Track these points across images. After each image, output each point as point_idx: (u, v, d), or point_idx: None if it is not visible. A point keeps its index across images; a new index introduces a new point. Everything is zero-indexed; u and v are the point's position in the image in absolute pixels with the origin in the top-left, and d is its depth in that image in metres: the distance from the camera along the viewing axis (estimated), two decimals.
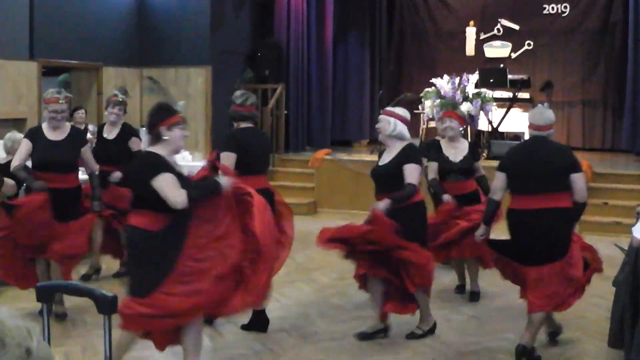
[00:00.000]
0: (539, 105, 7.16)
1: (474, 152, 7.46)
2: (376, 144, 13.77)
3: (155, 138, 4.79)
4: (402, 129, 6.08)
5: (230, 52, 14.02)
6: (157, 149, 4.78)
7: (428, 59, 17.01)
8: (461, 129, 7.45)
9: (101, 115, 12.84)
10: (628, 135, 13.94)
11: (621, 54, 14.83)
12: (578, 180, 5.62)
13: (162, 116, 4.81)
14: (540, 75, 16.03)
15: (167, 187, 4.59)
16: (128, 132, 8.00)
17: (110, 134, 7.99)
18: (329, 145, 14.68)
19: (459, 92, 12.70)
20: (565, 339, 6.27)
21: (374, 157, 9.05)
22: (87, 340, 5.93)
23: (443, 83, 12.96)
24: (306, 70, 14.99)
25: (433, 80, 13.27)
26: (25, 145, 6.52)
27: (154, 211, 4.65)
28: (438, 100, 12.84)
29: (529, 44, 16.25)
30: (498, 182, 5.86)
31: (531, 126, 5.84)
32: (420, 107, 13.79)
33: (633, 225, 5.29)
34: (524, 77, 14.54)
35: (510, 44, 16.37)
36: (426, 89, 13.35)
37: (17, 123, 10.83)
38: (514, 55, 16.32)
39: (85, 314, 6.39)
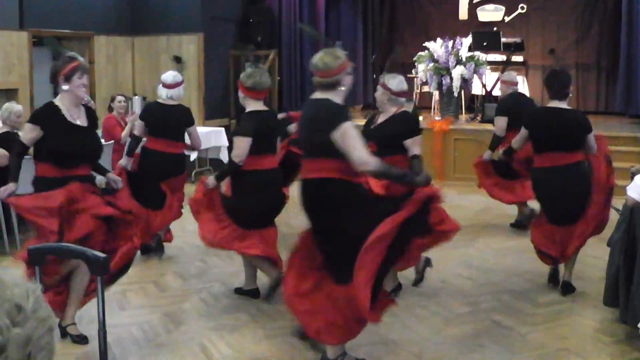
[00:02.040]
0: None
1: None
2: (369, 109, 13.80)
3: None
4: None
5: (222, 18, 13.93)
6: None
7: (421, 23, 16.93)
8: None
9: (93, 83, 12.79)
10: (621, 98, 13.90)
11: (614, 17, 14.77)
12: None
13: None
14: (534, 38, 15.99)
15: None
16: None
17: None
18: None
19: (452, 55, 12.62)
20: (561, 299, 6.34)
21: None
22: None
23: (436, 47, 12.87)
24: (298, 36, 14.89)
25: (426, 44, 13.20)
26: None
27: None
28: (431, 64, 12.78)
29: (522, 8, 16.15)
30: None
31: None
32: (413, 71, 13.74)
33: (627, 186, 5.31)
34: (517, 40, 14.49)
35: (503, 8, 16.27)
36: (419, 53, 13.27)
37: (8, 93, 10.79)
38: (507, 19, 16.23)
39: None
